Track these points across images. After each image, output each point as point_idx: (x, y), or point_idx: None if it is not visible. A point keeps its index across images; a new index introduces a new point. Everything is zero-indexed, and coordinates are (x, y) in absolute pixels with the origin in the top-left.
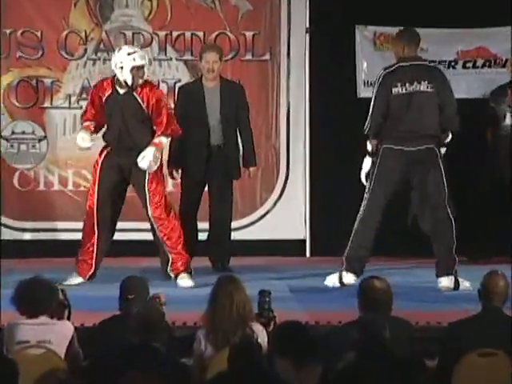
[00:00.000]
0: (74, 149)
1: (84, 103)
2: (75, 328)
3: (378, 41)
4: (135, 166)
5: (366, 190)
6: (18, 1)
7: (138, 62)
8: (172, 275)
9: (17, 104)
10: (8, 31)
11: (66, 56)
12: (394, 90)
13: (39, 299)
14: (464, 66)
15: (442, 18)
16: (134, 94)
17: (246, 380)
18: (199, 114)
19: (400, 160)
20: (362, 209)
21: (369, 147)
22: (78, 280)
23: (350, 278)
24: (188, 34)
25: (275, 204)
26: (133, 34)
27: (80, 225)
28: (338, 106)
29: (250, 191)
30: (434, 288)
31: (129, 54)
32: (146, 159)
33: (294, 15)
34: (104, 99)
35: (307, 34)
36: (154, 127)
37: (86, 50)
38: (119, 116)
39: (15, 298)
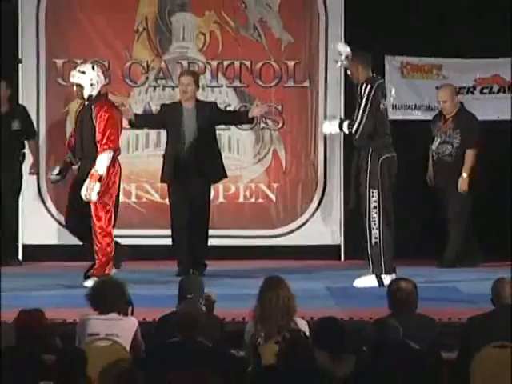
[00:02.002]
0: (136, 165)
1: None
2: (138, 323)
3: (405, 69)
4: None
5: (376, 199)
6: (87, 33)
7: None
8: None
9: None
10: (79, 61)
11: (130, 83)
12: (380, 106)
13: (110, 298)
14: (481, 92)
15: (461, 49)
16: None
17: (296, 372)
18: (177, 131)
19: (396, 165)
20: (382, 215)
21: (345, 129)
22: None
23: (388, 279)
24: (237, 63)
25: (313, 214)
26: (188, 63)
27: (142, 232)
28: None
29: (291, 202)
30: (455, 288)
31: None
32: (83, 191)
33: (330, 46)
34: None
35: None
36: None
37: (147, 78)
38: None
39: (90, 296)
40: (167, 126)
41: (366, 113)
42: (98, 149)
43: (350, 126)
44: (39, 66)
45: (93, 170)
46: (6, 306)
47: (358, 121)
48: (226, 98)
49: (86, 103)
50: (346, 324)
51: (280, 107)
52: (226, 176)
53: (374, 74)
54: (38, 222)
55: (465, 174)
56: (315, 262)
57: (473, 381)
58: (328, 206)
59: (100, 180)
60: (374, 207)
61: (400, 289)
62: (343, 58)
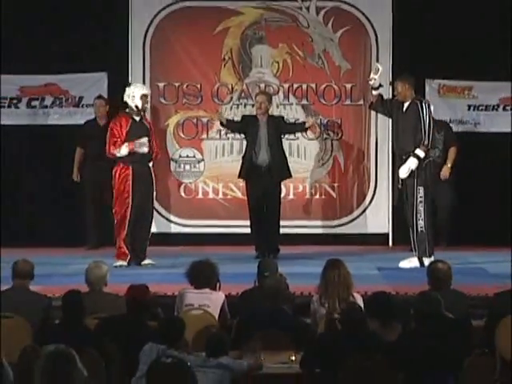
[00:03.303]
0: (223, 168)
1: (230, 136)
2: (225, 296)
3: (442, 90)
4: None
5: (422, 195)
6: (183, 61)
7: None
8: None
9: (183, 136)
10: (177, 84)
11: (218, 102)
12: None
13: (204, 276)
14: (504, 109)
15: (488, 73)
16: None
17: (351, 335)
18: (253, 138)
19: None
20: (427, 209)
21: (422, 154)
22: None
23: (427, 261)
24: (304, 86)
25: (366, 208)
26: (265, 85)
27: (227, 222)
28: None
29: (348, 199)
30: (482, 268)
31: (137, 87)
32: None
33: (380, 72)
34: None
35: (390, 86)
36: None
37: (231, 97)
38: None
39: (188, 273)
40: (246, 133)
41: (432, 127)
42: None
43: (423, 146)
44: None
45: None
46: (119, 282)
47: (427, 136)
48: (296, 114)
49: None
50: (393, 297)
51: (339, 121)
52: (290, 175)
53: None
54: None
55: (449, 164)
56: (368, 247)
57: (497, 343)
58: (378, 202)
59: None
60: (420, 202)
61: (438, 269)
62: (377, 76)
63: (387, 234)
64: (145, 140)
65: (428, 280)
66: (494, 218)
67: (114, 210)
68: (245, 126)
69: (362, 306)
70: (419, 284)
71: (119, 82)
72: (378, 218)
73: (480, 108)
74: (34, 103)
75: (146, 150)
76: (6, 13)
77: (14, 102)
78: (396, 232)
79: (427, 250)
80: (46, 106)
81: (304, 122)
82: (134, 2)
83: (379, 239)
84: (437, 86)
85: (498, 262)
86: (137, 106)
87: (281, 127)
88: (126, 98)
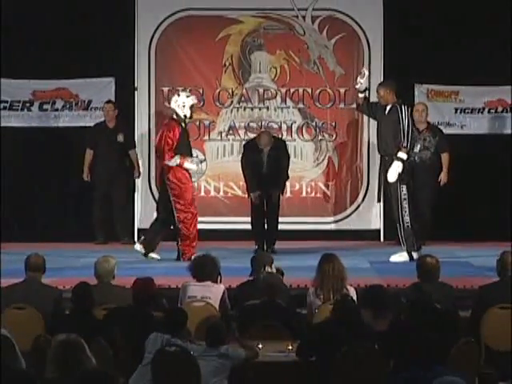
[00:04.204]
0: (224, 168)
1: (230, 137)
2: (226, 288)
3: (430, 94)
4: None
5: (405, 192)
6: (186, 67)
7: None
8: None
9: None
10: (180, 88)
11: (219, 105)
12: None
13: (206, 269)
14: (489, 112)
15: (474, 78)
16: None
17: (344, 325)
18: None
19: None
20: (409, 205)
21: (404, 156)
22: None
23: (416, 255)
24: (301, 90)
25: (359, 205)
26: (263, 90)
27: (228, 219)
28: None
29: (342, 197)
30: (468, 262)
31: (187, 97)
32: None
33: (372, 77)
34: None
35: None
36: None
37: (232, 101)
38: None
39: (191, 267)
40: (249, 161)
41: (411, 129)
42: None
43: (403, 148)
44: (150, 92)
45: None
46: (126, 275)
47: (406, 138)
48: (293, 117)
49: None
50: (385, 289)
51: (334, 124)
52: (288, 177)
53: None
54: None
55: (445, 170)
56: (360, 243)
57: (482, 332)
58: (370, 200)
59: None
60: (404, 199)
61: (426, 262)
62: (364, 80)
63: (379, 230)
64: (195, 159)
65: (417, 273)
66: (481, 214)
67: (179, 210)
68: (249, 157)
69: (355, 297)
70: (409, 277)
71: (126, 87)
72: (370, 215)
73: (466, 111)
74: (45, 106)
75: (194, 167)
76: (20, 22)
77: (27, 105)
78: (387, 228)
79: (414, 244)
80: (57, 109)
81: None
82: (140, 11)
83: (371, 235)
84: (425, 90)
85: (483, 256)
86: (185, 116)
87: (283, 154)
88: (173, 106)
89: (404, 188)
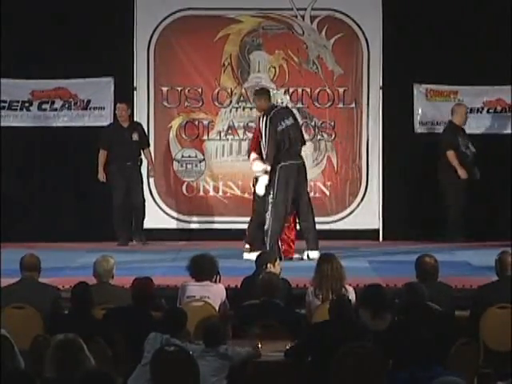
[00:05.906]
0: (223, 167)
1: (229, 137)
2: (225, 288)
3: (429, 94)
4: None
5: (271, 198)
6: (185, 67)
7: None
8: None
9: (185, 137)
10: (179, 88)
11: (218, 105)
12: (278, 128)
13: (205, 269)
14: (488, 111)
15: (473, 78)
16: None
17: (340, 325)
18: None
19: (293, 171)
20: (273, 211)
21: (268, 168)
22: None
23: (314, 255)
24: (300, 90)
25: (358, 205)
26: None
27: (226, 218)
28: (401, 137)
29: (341, 196)
30: (467, 262)
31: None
32: None
33: (371, 77)
34: None
35: (381, 90)
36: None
37: (231, 101)
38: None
39: (189, 267)
40: None
41: (267, 140)
42: None
43: (266, 159)
44: (149, 92)
45: None
46: (125, 275)
47: (266, 148)
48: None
49: None
50: (384, 289)
51: (333, 123)
52: None
53: (275, 103)
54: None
55: (459, 166)
56: (359, 242)
57: (481, 332)
58: (369, 200)
59: None
60: (271, 203)
61: (425, 262)
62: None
63: (378, 230)
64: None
65: (416, 273)
66: (481, 214)
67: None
68: None
69: (354, 297)
70: (408, 276)
71: (125, 86)
72: (369, 214)
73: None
74: (44, 106)
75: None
76: (19, 22)
77: (26, 105)
78: (386, 228)
79: (269, 245)
80: (56, 109)
81: None
82: (139, 11)
83: (370, 234)
84: (424, 90)
85: (483, 256)
86: None
87: None
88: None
89: (270, 197)
